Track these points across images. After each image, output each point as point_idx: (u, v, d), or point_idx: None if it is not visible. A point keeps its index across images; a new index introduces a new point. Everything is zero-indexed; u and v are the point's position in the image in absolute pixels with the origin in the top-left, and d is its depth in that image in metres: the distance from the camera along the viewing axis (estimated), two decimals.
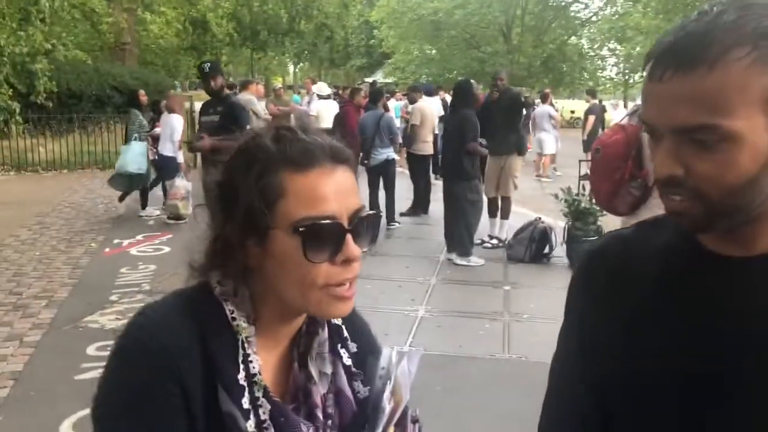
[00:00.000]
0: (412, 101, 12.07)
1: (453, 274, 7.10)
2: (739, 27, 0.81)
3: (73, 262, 7.33)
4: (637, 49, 27.69)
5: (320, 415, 1.02)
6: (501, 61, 29.73)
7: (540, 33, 32.90)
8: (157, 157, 9.62)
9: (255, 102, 11.54)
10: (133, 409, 0.92)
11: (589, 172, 3.80)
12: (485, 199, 8.02)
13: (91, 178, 13.53)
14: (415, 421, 1.09)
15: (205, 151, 6.94)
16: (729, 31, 0.81)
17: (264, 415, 0.96)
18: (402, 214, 9.72)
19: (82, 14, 20.85)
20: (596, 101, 16.79)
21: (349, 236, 0.96)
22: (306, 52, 42.89)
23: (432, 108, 10.97)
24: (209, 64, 7.12)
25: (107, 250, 7.91)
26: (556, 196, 7.59)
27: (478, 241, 7.93)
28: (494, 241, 8.23)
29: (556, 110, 17.68)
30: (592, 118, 15.65)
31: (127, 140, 9.84)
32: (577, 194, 7.56)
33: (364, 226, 0.99)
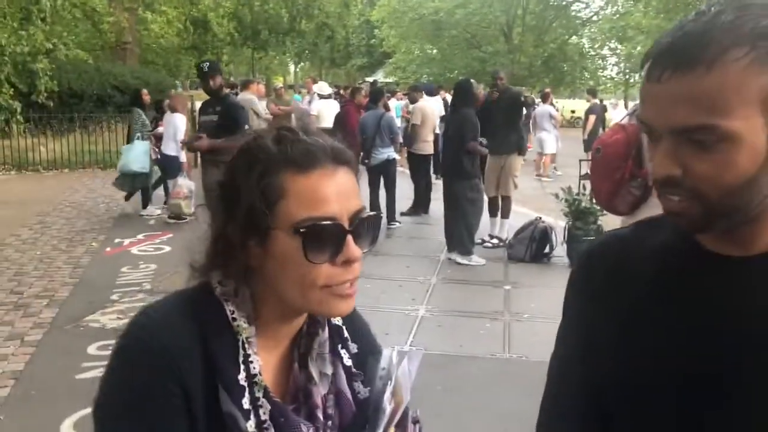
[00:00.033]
0: (413, 101, 12.06)
1: (453, 274, 7.10)
2: (737, 27, 0.82)
3: (74, 261, 7.34)
4: (638, 48, 27.65)
5: (320, 415, 1.03)
6: (502, 61, 29.72)
7: (541, 32, 32.90)
8: (159, 157, 9.63)
9: (256, 101, 11.54)
10: (134, 409, 0.92)
11: (589, 171, 3.80)
12: (486, 199, 8.02)
13: (92, 177, 13.54)
14: (415, 421, 1.10)
15: (203, 151, 6.97)
16: (727, 31, 0.82)
17: (264, 416, 0.96)
18: (403, 214, 9.72)
19: (83, 14, 20.85)
20: (597, 101, 16.79)
21: (349, 237, 0.96)
22: (307, 51, 42.90)
23: (433, 107, 10.97)
24: (208, 63, 7.13)
25: (108, 249, 7.91)
26: (557, 196, 7.59)
27: (479, 241, 7.93)
28: (495, 241, 8.23)
29: (557, 110, 17.68)
30: (592, 118, 15.65)
31: (129, 139, 9.84)
32: (578, 194, 7.56)
33: (365, 227, 0.99)
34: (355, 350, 1.12)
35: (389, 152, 9.08)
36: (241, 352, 0.97)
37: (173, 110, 9.64)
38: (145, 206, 9.81)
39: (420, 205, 10.12)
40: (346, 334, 1.13)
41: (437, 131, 10.88)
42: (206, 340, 0.95)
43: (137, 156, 9.38)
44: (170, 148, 9.36)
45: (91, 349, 4.87)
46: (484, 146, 7.70)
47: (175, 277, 6.00)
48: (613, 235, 1.12)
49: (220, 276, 1.00)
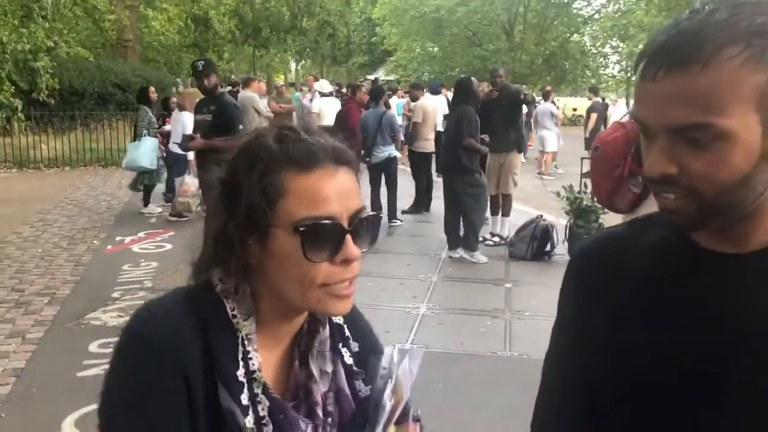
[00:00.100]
0: (414, 99, 12.06)
1: (454, 272, 7.10)
2: (732, 25, 0.82)
3: (75, 259, 7.35)
4: (640, 46, 27.44)
5: (320, 413, 1.03)
6: (503, 59, 29.71)
7: (542, 30, 32.85)
8: (165, 154, 9.63)
9: (257, 99, 11.55)
10: (136, 406, 0.93)
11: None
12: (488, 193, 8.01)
13: (93, 175, 13.56)
14: (416, 419, 1.10)
15: (197, 150, 6.95)
16: (721, 29, 0.82)
17: (263, 412, 0.97)
18: (404, 212, 9.73)
19: (84, 11, 20.85)
20: (599, 99, 16.79)
21: (348, 237, 0.96)
22: (308, 49, 42.87)
23: (435, 105, 10.96)
24: (203, 62, 7.11)
25: (109, 247, 7.92)
26: (558, 194, 7.58)
27: (480, 239, 7.93)
28: (496, 239, 8.23)
29: (558, 108, 17.67)
30: (594, 116, 15.66)
31: (136, 137, 9.85)
32: (579, 192, 7.55)
33: (364, 227, 1.00)
34: (357, 349, 1.13)
35: (390, 150, 9.08)
36: (241, 348, 0.98)
37: (181, 108, 9.64)
38: (146, 204, 9.82)
39: (421, 203, 10.13)
40: (347, 332, 1.13)
41: (439, 129, 10.88)
42: (206, 336, 0.96)
43: (146, 152, 9.36)
44: (178, 146, 9.37)
45: (93, 347, 4.88)
46: (485, 143, 7.69)
47: (177, 274, 6.00)
48: (608, 232, 1.12)
49: (221, 273, 1.01)
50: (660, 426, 0.95)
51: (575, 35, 34.52)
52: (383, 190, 9.12)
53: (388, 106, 10.81)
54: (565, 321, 1.11)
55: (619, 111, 16.64)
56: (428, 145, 10.07)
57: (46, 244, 7.96)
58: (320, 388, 1.05)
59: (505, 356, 4.97)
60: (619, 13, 31.64)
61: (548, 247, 7.55)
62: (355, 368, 1.10)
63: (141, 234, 8.47)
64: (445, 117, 11.79)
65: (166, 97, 11.82)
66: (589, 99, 17.26)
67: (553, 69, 33.20)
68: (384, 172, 9.05)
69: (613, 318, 1.01)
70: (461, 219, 7.62)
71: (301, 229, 0.94)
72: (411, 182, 10.15)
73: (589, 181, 6.26)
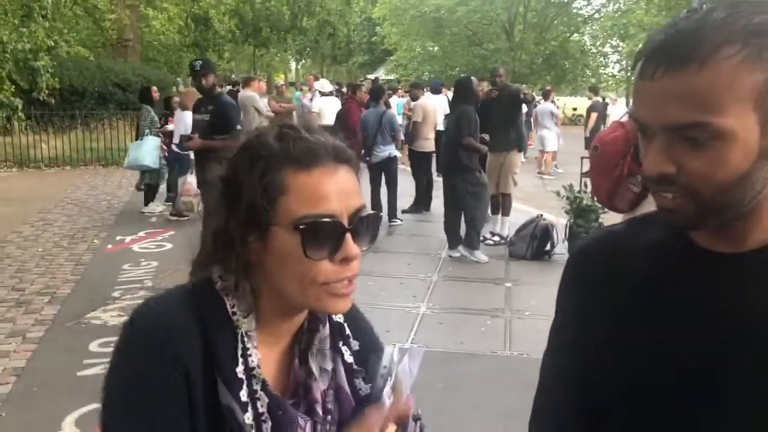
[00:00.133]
0: (414, 98, 12.06)
1: (454, 271, 7.10)
2: (729, 24, 0.82)
3: (75, 258, 7.35)
4: (640, 46, 27.48)
5: (319, 410, 1.04)
6: (503, 58, 29.70)
7: (542, 30, 32.85)
8: (167, 153, 9.63)
9: (257, 99, 11.56)
10: (137, 403, 0.93)
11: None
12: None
13: (93, 174, 13.55)
14: (416, 418, 1.10)
15: (195, 150, 6.94)
16: (719, 28, 0.82)
17: (262, 408, 0.97)
18: (404, 211, 9.73)
19: (85, 11, 20.86)
20: (599, 98, 16.78)
21: (348, 235, 0.97)
22: (308, 49, 42.83)
23: (435, 105, 10.96)
24: (200, 62, 7.09)
25: (109, 246, 7.92)
26: (558, 194, 7.58)
27: (480, 238, 7.93)
28: (496, 238, 8.23)
29: (558, 107, 17.66)
30: (594, 115, 15.65)
31: (138, 136, 9.85)
32: (579, 191, 7.56)
33: (364, 226, 1.00)
34: (357, 347, 1.13)
35: (390, 150, 9.08)
36: (240, 345, 0.98)
37: (184, 108, 9.62)
38: (147, 203, 9.82)
39: (421, 203, 10.13)
40: (348, 331, 1.14)
41: (440, 128, 10.87)
42: (206, 332, 0.97)
43: (148, 151, 9.35)
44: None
45: (93, 346, 4.88)
46: (485, 142, 7.69)
47: (177, 274, 6.00)
48: (606, 232, 1.12)
49: (221, 271, 1.01)
50: (658, 425, 0.95)
51: (575, 35, 34.52)
52: (383, 190, 9.12)
53: (388, 105, 10.81)
54: (564, 320, 1.11)
55: (618, 110, 16.63)
56: (428, 144, 10.07)
57: (46, 244, 7.96)
58: (320, 386, 1.05)
59: (505, 356, 4.97)
60: (619, 13, 31.63)
61: (548, 247, 7.55)
62: (355, 367, 1.10)
63: (141, 233, 8.47)
64: (446, 116, 11.80)
65: (168, 96, 11.81)
66: (589, 98, 17.25)
67: (553, 68, 33.20)
68: (384, 171, 9.05)
69: (611, 317, 1.01)
70: (462, 218, 7.62)
71: (301, 226, 0.94)
72: (411, 182, 10.15)
73: (589, 181, 6.28)
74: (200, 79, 6.88)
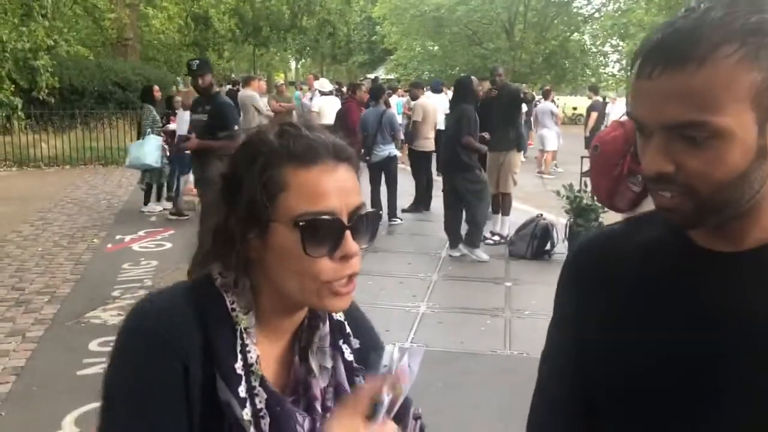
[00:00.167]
0: (414, 97, 12.06)
1: (454, 271, 7.10)
2: (727, 24, 0.82)
3: (75, 257, 7.35)
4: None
5: (319, 407, 1.04)
6: (503, 58, 29.69)
7: (542, 29, 32.82)
8: (169, 153, 9.63)
9: (257, 98, 11.56)
10: (137, 401, 0.93)
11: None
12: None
13: (93, 173, 13.56)
14: (417, 417, 1.10)
15: (192, 150, 6.92)
16: (717, 28, 0.82)
17: (260, 404, 0.97)
18: (404, 211, 9.73)
19: (84, 10, 20.83)
20: (599, 98, 16.78)
21: (347, 233, 0.97)
22: (308, 48, 42.78)
23: (435, 104, 10.96)
24: (197, 61, 7.07)
25: (109, 245, 7.92)
26: (558, 193, 7.58)
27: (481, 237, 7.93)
28: (496, 238, 8.23)
29: (558, 107, 17.66)
30: (594, 115, 15.65)
31: (140, 135, 9.84)
32: (579, 191, 7.55)
33: (364, 224, 1.00)
34: (357, 345, 1.13)
35: (390, 149, 9.08)
36: (239, 341, 0.98)
37: (186, 107, 9.62)
38: (146, 203, 9.82)
39: (421, 202, 10.13)
40: (348, 329, 1.14)
41: (440, 127, 10.87)
42: (206, 329, 0.97)
43: (151, 150, 9.35)
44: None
45: (93, 346, 4.89)
46: (486, 141, 7.69)
47: (177, 273, 6.00)
48: (604, 231, 1.12)
49: (221, 267, 1.01)
50: (656, 424, 0.95)
51: (575, 34, 34.48)
52: (383, 189, 9.12)
53: (388, 104, 10.81)
54: (562, 319, 1.11)
55: (617, 109, 16.63)
56: (428, 143, 10.07)
57: (46, 243, 7.96)
58: (319, 384, 1.05)
59: (505, 355, 4.97)
60: (619, 12, 31.59)
61: (548, 246, 7.55)
62: (355, 365, 1.10)
63: (141, 233, 8.47)
64: (447, 116, 11.80)
65: (170, 95, 11.81)
66: (589, 98, 17.25)
67: (553, 68, 33.17)
68: (384, 171, 9.05)
69: (609, 316, 1.01)
70: (463, 216, 7.62)
71: (300, 223, 0.94)
72: (411, 181, 10.15)
73: (589, 180, 6.28)
74: (197, 79, 6.86)
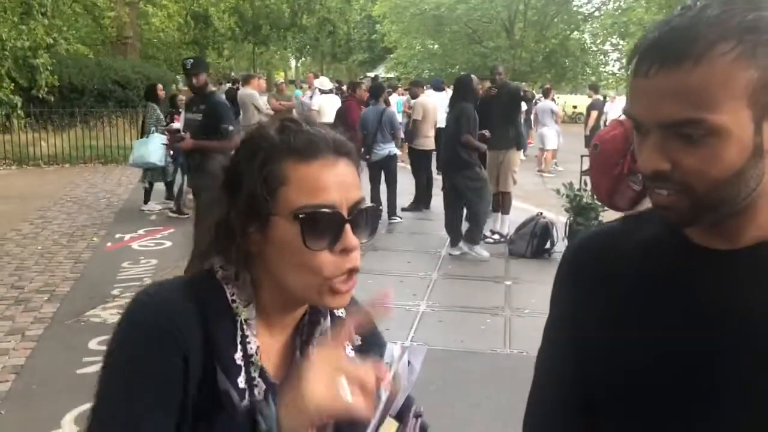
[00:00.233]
0: (414, 96, 12.05)
1: (454, 269, 7.10)
2: (723, 21, 0.82)
3: (75, 256, 7.35)
4: None
5: None
6: (503, 56, 29.68)
7: (542, 28, 32.80)
8: (172, 152, 9.62)
9: (257, 96, 11.56)
10: (136, 386, 0.93)
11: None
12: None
13: (92, 172, 13.55)
14: (417, 415, 1.10)
15: (187, 150, 6.86)
16: (713, 25, 0.82)
17: (259, 395, 0.98)
18: (404, 209, 9.73)
19: (84, 8, 20.82)
20: (599, 96, 16.78)
21: (347, 226, 0.97)
22: (308, 46, 42.79)
23: (435, 103, 10.96)
24: (192, 60, 7.00)
25: (109, 244, 7.92)
26: (558, 192, 7.59)
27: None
28: (496, 236, 8.23)
29: (558, 105, 17.66)
30: (594, 114, 15.65)
31: (144, 133, 9.83)
32: (579, 189, 7.56)
33: (364, 218, 1.01)
34: (359, 342, 1.13)
35: (390, 148, 9.08)
36: (239, 332, 0.99)
37: None
38: (146, 201, 9.82)
39: (421, 201, 10.13)
40: None
41: (440, 126, 10.87)
42: (206, 320, 0.97)
43: (155, 149, 9.34)
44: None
45: (92, 344, 4.88)
46: (486, 139, 7.68)
47: (176, 271, 5.97)
48: (601, 229, 1.13)
49: (221, 261, 1.02)
50: (655, 421, 0.95)
51: (575, 33, 34.44)
52: (383, 188, 9.11)
53: (388, 103, 10.80)
54: (559, 317, 1.11)
55: (617, 108, 16.63)
56: (428, 142, 10.07)
57: (45, 242, 7.95)
58: None
59: (505, 354, 4.97)
60: (620, 11, 31.56)
61: (548, 245, 7.55)
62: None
63: (141, 231, 8.47)
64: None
65: (174, 94, 11.81)
66: (590, 96, 17.24)
67: (554, 66, 33.15)
68: (384, 169, 9.05)
69: (607, 314, 1.01)
70: (464, 215, 7.62)
71: (300, 216, 0.95)
72: (411, 180, 10.15)
73: (589, 179, 6.29)
74: (191, 78, 6.80)
